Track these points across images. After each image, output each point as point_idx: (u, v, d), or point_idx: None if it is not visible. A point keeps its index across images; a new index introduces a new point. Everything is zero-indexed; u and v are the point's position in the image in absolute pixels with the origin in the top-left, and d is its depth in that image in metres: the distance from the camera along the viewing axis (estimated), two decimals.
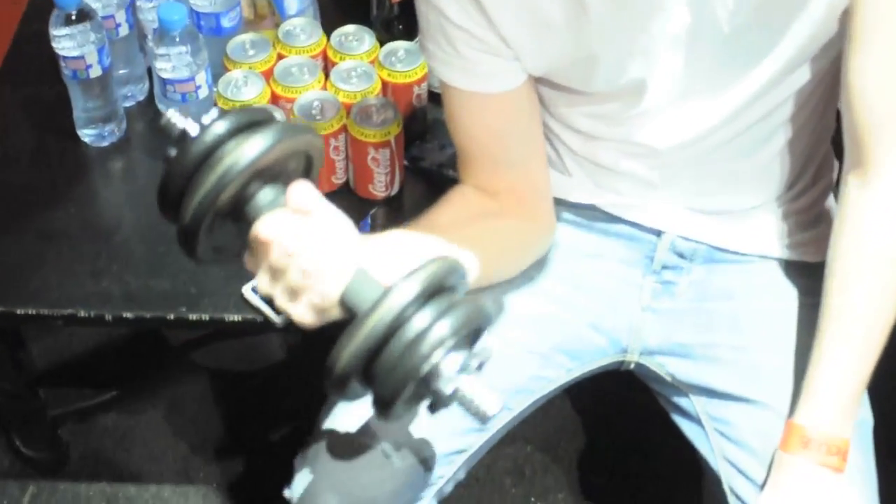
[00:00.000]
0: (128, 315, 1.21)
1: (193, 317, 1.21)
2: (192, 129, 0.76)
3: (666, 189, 1.02)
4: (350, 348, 0.72)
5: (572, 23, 0.89)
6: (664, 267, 1.06)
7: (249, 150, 0.74)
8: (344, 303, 0.77)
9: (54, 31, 1.28)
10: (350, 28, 1.33)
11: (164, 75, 1.28)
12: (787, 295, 1.05)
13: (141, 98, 1.44)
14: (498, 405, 0.74)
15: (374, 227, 1.27)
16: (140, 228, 1.31)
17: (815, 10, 0.87)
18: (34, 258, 1.27)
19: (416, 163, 1.30)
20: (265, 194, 0.77)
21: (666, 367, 1.07)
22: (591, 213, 1.07)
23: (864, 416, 1.01)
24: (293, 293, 0.77)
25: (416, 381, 0.73)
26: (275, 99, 1.26)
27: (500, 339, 1.00)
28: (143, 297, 1.22)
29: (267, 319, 1.20)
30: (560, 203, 1.06)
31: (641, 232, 1.06)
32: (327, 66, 1.31)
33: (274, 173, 0.78)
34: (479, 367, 0.76)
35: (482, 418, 0.75)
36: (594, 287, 1.07)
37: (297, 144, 0.78)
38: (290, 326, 1.19)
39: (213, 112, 0.76)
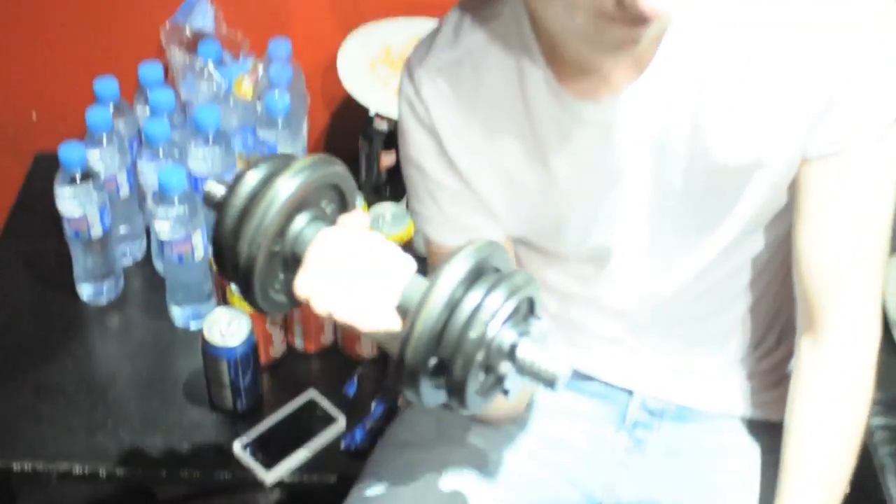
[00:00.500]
0: (121, 472, 1.29)
1: (185, 474, 1.29)
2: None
3: (635, 347, 1.11)
4: (412, 340, 0.77)
5: (542, 188, 0.99)
6: (636, 424, 1.14)
7: (285, 183, 0.83)
8: (401, 303, 0.82)
9: (58, 190, 1.39)
10: None
11: (163, 237, 1.39)
12: (752, 453, 1.13)
13: (139, 256, 1.56)
14: (567, 365, 0.78)
15: (360, 388, 1.35)
16: (135, 384, 1.41)
17: (759, 182, 0.95)
18: (30, 412, 1.35)
19: None
20: (314, 226, 0.86)
21: None
22: None
23: None
24: (356, 297, 0.82)
25: (482, 352, 0.77)
26: None
27: (481, 498, 1.11)
28: (136, 452, 1.30)
29: (256, 477, 1.29)
30: None
31: (614, 391, 1.15)
32: None
33: (313, 209, 0.87)
34: (540, 335, 0.80)
35: (552, 381, 0.78)
36: (571, 445, 1.15)
37: (326, 174, 0.87)
38: (278, 484, 1.31)
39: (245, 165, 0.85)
